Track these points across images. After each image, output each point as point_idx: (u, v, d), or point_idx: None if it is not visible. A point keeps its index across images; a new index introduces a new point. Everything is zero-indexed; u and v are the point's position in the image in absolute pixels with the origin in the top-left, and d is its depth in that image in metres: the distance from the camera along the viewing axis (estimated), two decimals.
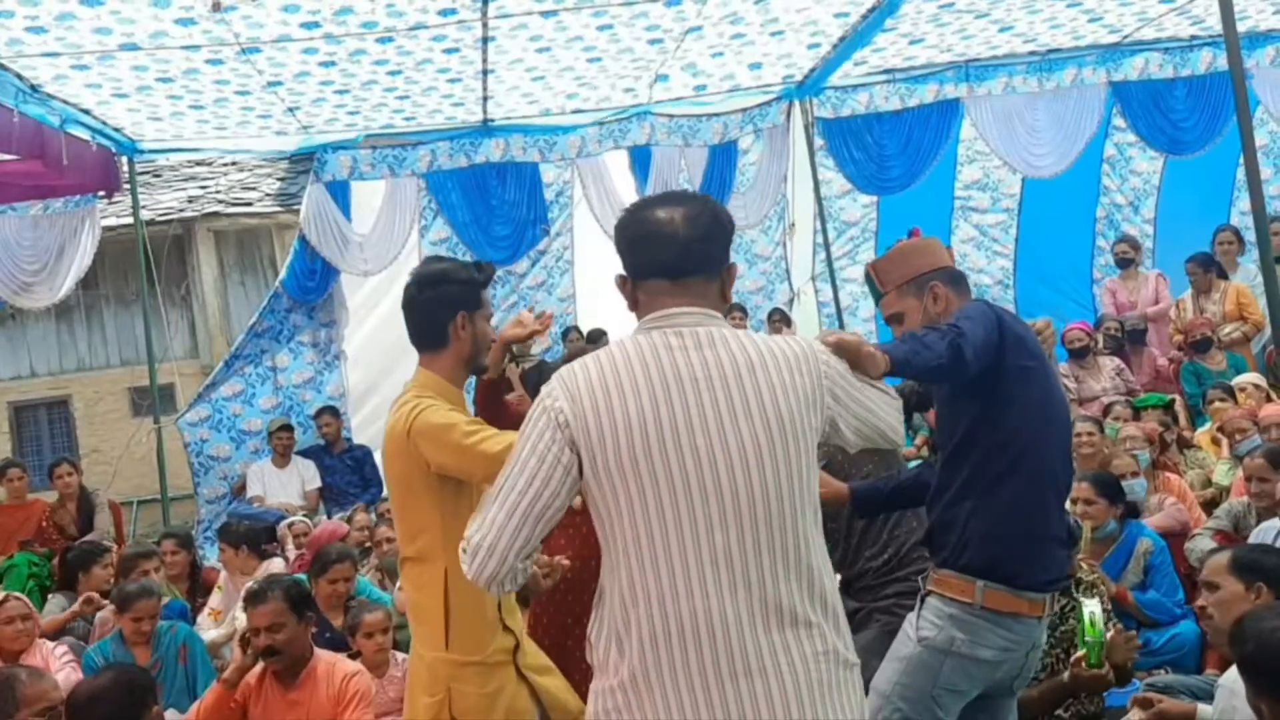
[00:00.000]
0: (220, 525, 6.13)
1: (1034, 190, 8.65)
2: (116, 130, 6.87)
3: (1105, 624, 3.16)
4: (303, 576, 4.34)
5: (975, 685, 2.50)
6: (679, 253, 1.89)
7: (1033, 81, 8.06)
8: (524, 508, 1.79)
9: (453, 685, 2.47)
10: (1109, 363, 7.04)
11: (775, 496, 1.78)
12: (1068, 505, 4.07)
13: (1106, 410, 6.06)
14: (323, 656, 3.63)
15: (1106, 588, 3.62)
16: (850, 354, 1.97)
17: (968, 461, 2.48)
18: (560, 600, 3.24)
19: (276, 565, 5.35)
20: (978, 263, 8.75)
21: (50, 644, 4.39)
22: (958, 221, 8.76)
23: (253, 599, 3.57)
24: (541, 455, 1.80)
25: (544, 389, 1.86)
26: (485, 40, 5.91)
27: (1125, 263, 7.93)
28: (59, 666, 4.04)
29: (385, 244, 7.91)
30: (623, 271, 1.96)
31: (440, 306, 2.56)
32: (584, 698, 2.02)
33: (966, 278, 2.72)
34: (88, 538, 6.51)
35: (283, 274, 8.04)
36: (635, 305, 1.94)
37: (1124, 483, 4.45)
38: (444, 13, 5.41)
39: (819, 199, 8.29)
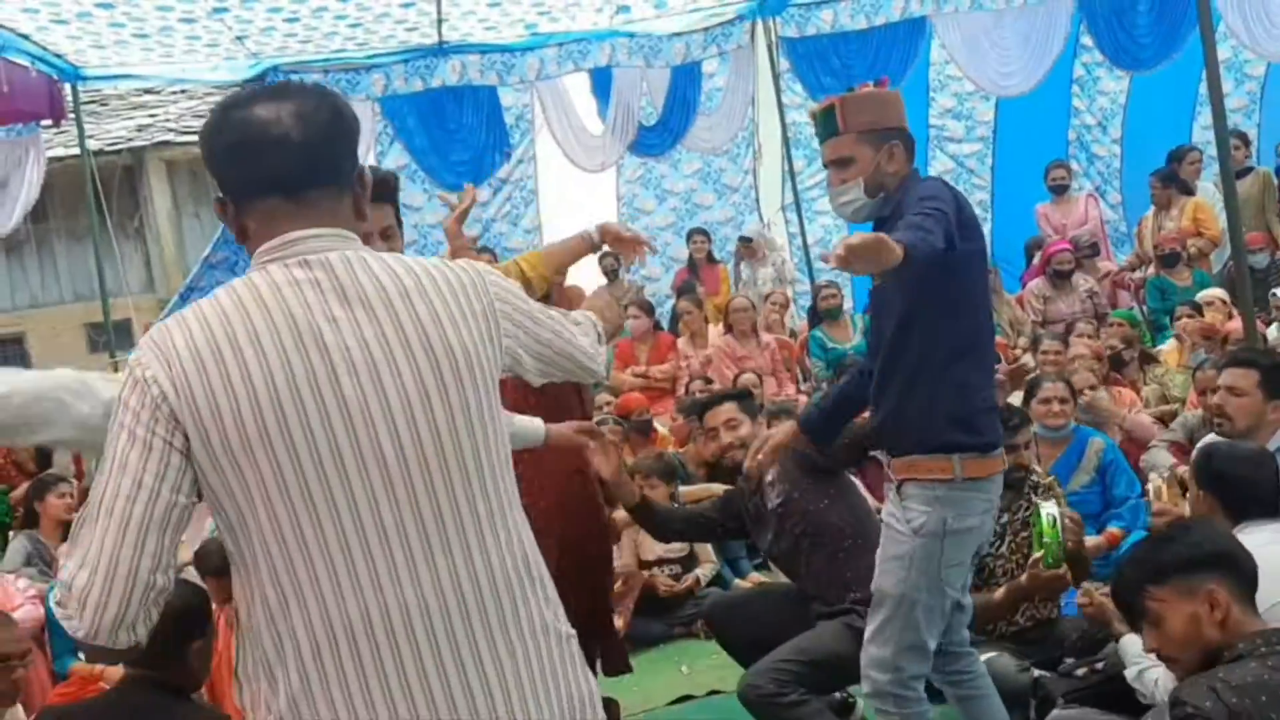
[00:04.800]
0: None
1: (1008, 117, 8.61)
2: (58, 57, 6.63)
3: (1062, 530, 3.22)
4: None
5: (969, 553, 2.61)
6: (296, 160, 1.47)
7: None
8: (139, 515, 1.35)
9: None
10: (1083, 282, 7.11)
11: (454, 448, 1.43)
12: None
13: (1070, 328, 6.11)
14: None
15: (1061, 496, 3.68)
16: (871, 245, 1.93)
17: (915, 346, 2.53)
18: None
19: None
20: None
21: (11, 577, 4.35)
22: (934, 152, 8.70)
23: None
24: (145, 442, 1.37)
25: (132, 356, 1.46)
26: None
27: (1061, 189, 7.97)
28: (21, 601, 4.00)
29: None
30: (219, 193, 1.53)
31: None
32: None
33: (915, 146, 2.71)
34: (47, 471, 6.43)
35: None
36: (244, 236, 1.51)
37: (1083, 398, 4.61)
38: None
39: (784, 124, 8.20)
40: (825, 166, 2.74)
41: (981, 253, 2.63)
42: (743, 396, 3.66)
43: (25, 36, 6.15)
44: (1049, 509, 3.28)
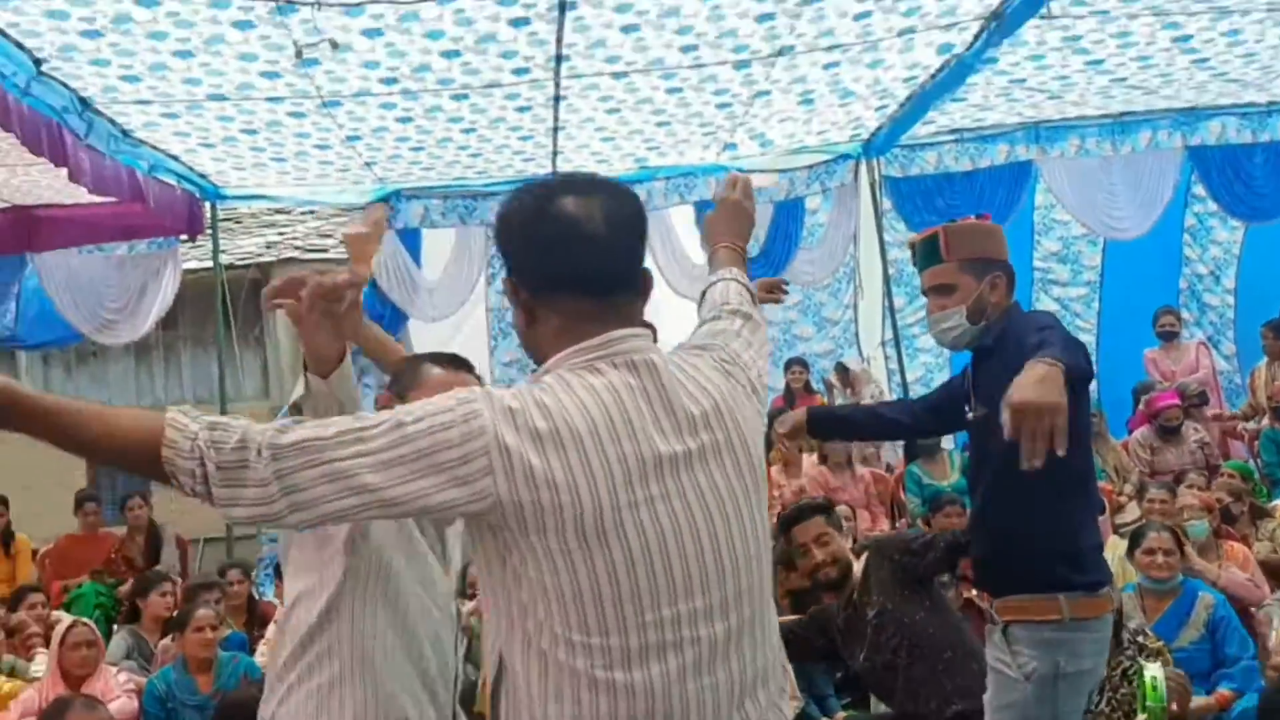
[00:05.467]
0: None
1: (1115, 262, 8.53)
2: (201, 176, 7.13)
3: (1167, 691, 3.09)
4: None
5: (1085, 696, 2.50)
6: (607, 263, 1.48)
7: (1106, 144, 7.99)
8: (395, 475, 1.33)
9: None
10: (1193, 432, 6.91)
11: (755, 558, 1.47)
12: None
13: (1179, 478, 5.94)
14: None
15: (1169, 660, 3.53)
16: (1046, 385, 1.96)
17: (1023, 481, 2.47)
18: None
19: None
20: None
21: (113, 669, 4.49)
22: (1038, 294, 8.64)
23: None
24: (442, 472, 1.35)
25: (470, 404, 1.39)
26: (557, 99, 6.04)
27: (1170, 335, 7.82)
28: (119, 694, 4.12)
29: (453, 291, 8.07)
30: (513, 276, 1.52)
31: None
32: None
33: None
34: (154, 568, 6.66)
35: None
36: (532, 322, 1.50)
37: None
38: (518, 72, 5.55)
39: (885, 261, 8.26)
40: (924, 294, 2.76)
41: (1089, 390, 2.63)
42: (828, 510, 3.61)
43: (174, 158, 6.63)
44: (1153, 670, 3.15)
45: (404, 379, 2.16)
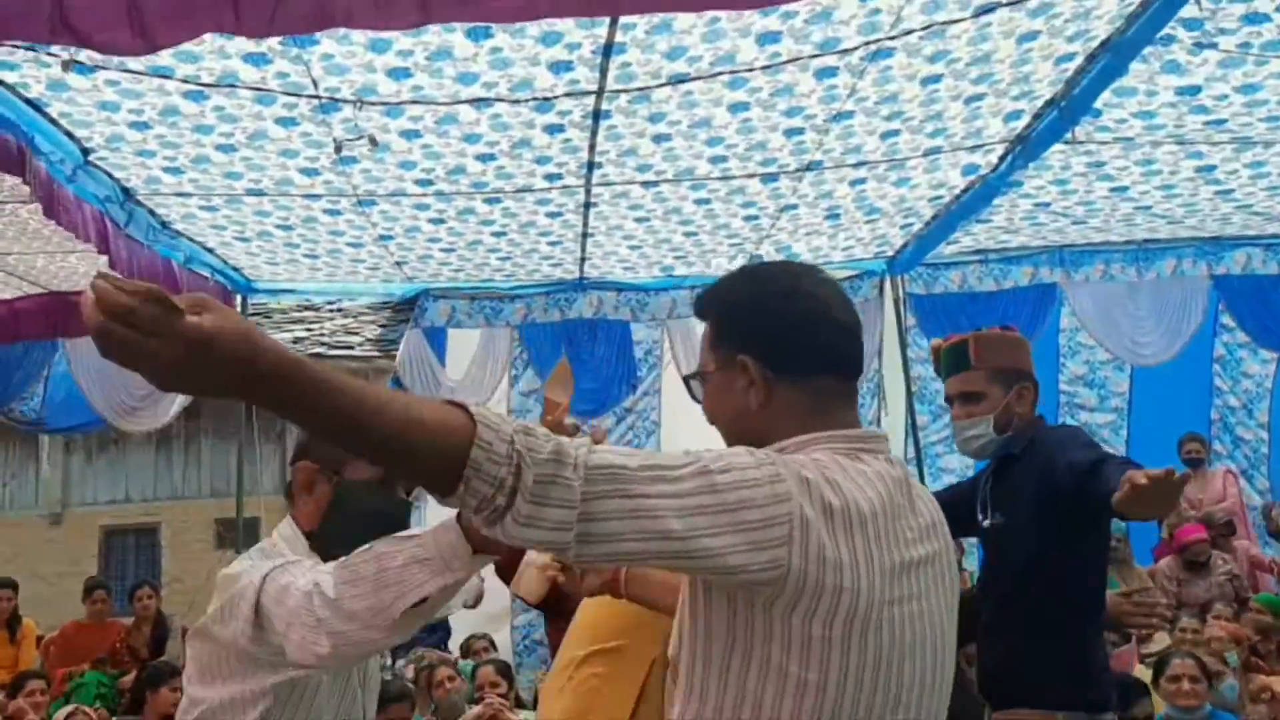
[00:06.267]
0: None
1: (1143, 389, 8.46)
2: (235, 269, 7.26)
3: None
4: None
5: None
6: (857, 346, 1.48)
7: (1131, 270, 8.02)
8: (697, 525, 1.20)
9: None
10: (1221, 563, 6.77)
11: (949, 685, 1.41)
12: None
13: (1206, 608, 5.79)
14: None
15: None
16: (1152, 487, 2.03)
17: (1039, 593, 2.44)
18: None
19: None
20: None
21: None
22: (1063, 418, 8.56)
23: None
24: (764, 511, 1.24)
25: (775, 463, 1.29)
26: (587, 205, 6.16)
27: (1195, 462, 7.72)
28: None
29: (476, 390, 8.10)
30: (751, 353, 1.45)
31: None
32: None
33: None
34: (159, 659, 6.56)
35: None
36: (767, 402, 1.43)
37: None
38: (550, 178, 5.67)
39: (908, 378, 8.25)
40: (947, 401, 2.75)
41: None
42: None
43: (210, 250, 6.77)
44: None
45: (332, 448, 1.98)
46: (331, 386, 1.11)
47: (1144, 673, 4.66)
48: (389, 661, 6.75)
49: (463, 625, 7.39)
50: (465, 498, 1.16)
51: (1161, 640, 5.60)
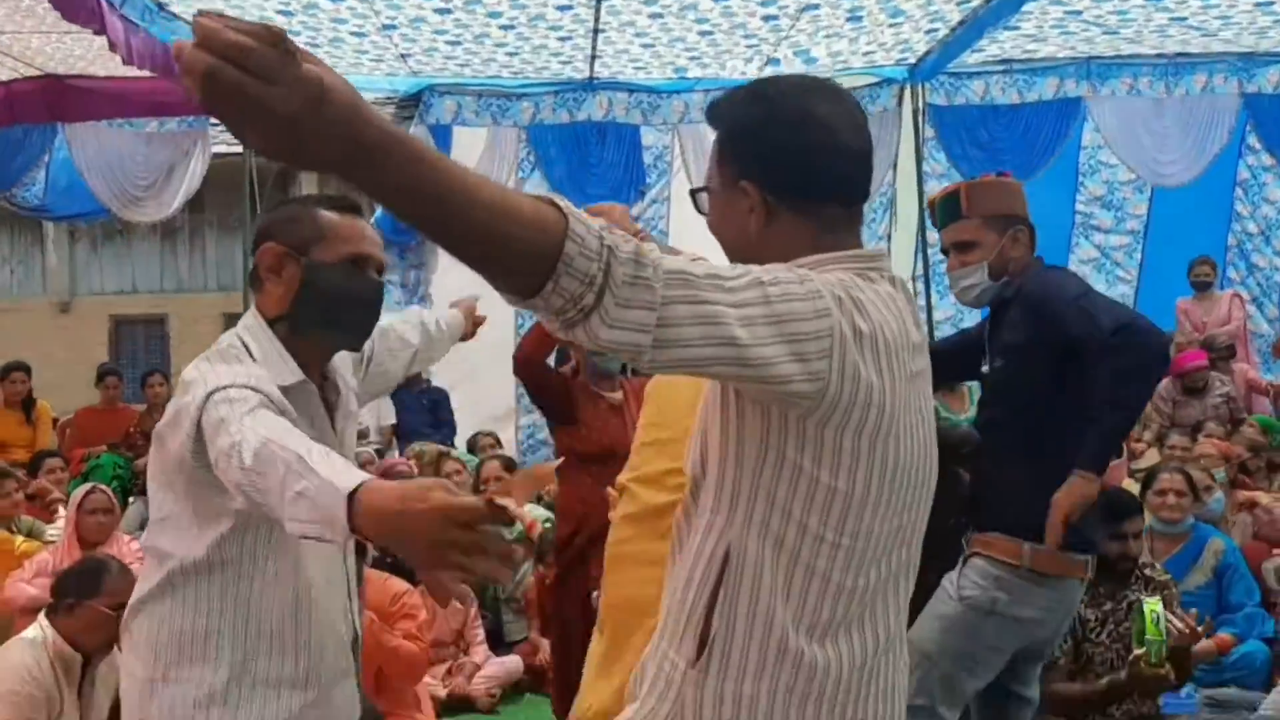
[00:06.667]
0: None
1: (1162, 213, 8.31)
2: None
3: (1166, 624, 3.11)
4: None
5: (1016, 643, 2.55)
6: (860, 171, 1.46)
7: (1159, 85, 7.76)
8: (755, 334, 1.20)
9: None
10: (1217, 386, 6.84)
11: (933, 487, 1.46)
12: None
13: (1199, 428, 5.90)
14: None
15: (1174, 596, 3.53)
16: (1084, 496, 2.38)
17: (1031, 425, 2.50)
18: None
19: None
20: (1097, 285, 8.38)
21: (127, 537, 4.56)
22: (1078, 239, 8.44)
23: None
24: (811, 324, 1.25)
25: (814, 278, 1.30)
26: None
27: (1204, 285, 7.68)
28: (131, 560, 4.18)
29: None
30: (753, 178, 1.43)
31: None
32: None
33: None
34: None
35: (377, 211, 8.17)
36: (767, 225, 1.43)
37: None
38: None
39: (922, 194, 8.10)
40: (943, 252, 2.75)
41: None
42: None
43: None
44: (1153, 604, 3.16)
45: (299, 229, 1.88)
46: (432, 165, 1.04)
47: (1133, 486, 4.78)
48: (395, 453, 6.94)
49: (469, 422, 7.57)
50: (551, 297, 1.10)
51: (1151, 458, 5.73)
